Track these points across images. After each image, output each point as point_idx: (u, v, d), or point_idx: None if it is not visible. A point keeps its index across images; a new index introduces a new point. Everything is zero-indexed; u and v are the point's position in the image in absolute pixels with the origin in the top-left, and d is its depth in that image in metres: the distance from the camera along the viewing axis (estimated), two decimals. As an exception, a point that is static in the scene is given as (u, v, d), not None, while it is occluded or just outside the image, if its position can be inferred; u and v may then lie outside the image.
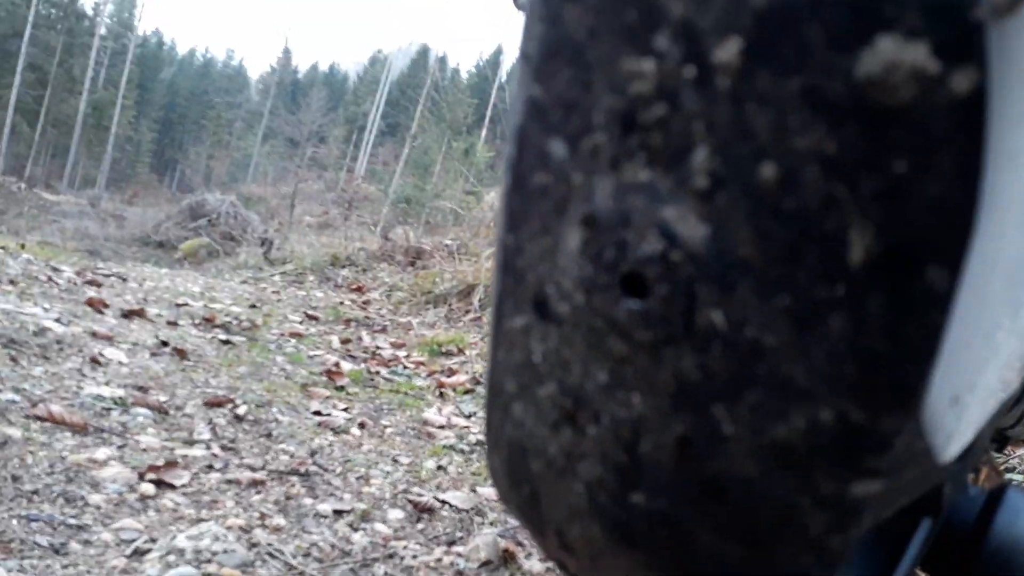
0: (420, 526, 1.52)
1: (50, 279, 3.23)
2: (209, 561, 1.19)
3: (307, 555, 1.31)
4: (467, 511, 1.60)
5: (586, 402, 0.25)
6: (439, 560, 1.38)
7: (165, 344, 2.53)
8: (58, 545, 1.16)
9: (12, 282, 2.96)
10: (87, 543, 1.19)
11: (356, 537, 1.41)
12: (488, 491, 1.71)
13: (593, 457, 0.26)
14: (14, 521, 1.19)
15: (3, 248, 3.90)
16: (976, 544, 0.36)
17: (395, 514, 1.55)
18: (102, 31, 35.80)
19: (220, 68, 52.68)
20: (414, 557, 1.37)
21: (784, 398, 0.21)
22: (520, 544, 1.45)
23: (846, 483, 0.22)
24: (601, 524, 0.27)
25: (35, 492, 1.30)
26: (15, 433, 1.50)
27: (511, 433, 0.28)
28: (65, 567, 1.10)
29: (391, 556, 1.36)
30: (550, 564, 1.39)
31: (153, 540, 1.23)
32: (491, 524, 1.55)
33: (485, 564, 1.40)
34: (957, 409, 0.22)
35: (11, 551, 1.11)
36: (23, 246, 4.26)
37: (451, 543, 1.46)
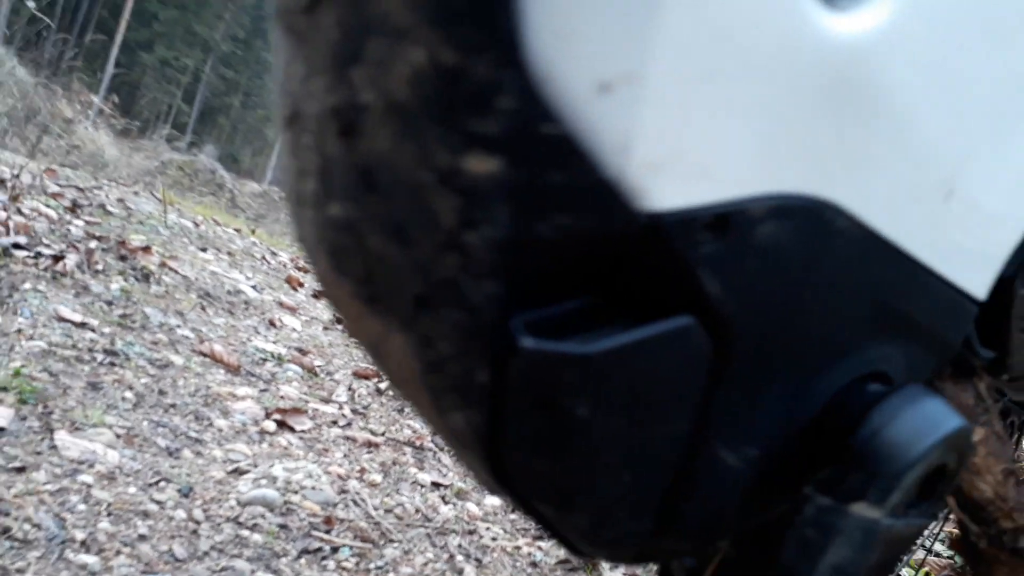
0: (512, 516, 1.50)
1: (264, 258, 3.59)
2: (296, 492, 1.25)
3: (389, 511, 1.34)
4: (566, 514, 1.56)
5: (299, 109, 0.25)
6: (518, 548, 1.35)
7: (340, 322, 2.72)
8: (173, 449, 1.28)
9: (230, 254, 3.33)
10: (198, 454, 1.30)
11: (444, 509, 1.42)
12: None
13: (309, 174, 0.25)
14: (146, 423, 1.32)
15: (238, 230, 4.40)
16: (844, 438, 0.30)
17: (492, 501, 1.54)
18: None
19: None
20: (493, 539, 1.36)
21: (389, 44, 0.19)
22: (606, 552, 1.39)
23: (458, 153, 0.19)
24: (325, 252, 0.25)
25: (173, 406, 1.44)
26: (178, 360, 1.68)
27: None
28: (172, 467, 1.21)
29: (471, 532, 1.36)
30: (630, 570, 1.31)
31: (255, 466, 1.32)
32: (585, 530, 1.50)
33: (563, 562, 1.35)
34: (613, 103, 0.19)
35: (133, 444, 1.23)
36: (254, 231, 4.77)
37: (537, 537, 1.43)
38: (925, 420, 0.30)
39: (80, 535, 0.95)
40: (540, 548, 1.37)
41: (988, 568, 0.43)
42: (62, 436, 1.14)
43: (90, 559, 0.92)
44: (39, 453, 1.09)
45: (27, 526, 0.93)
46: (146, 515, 1.05)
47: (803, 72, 0.21)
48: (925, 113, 0.25)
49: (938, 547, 1.94)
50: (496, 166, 0.19)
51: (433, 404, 0.25)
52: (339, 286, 0.26)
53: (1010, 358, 0.40)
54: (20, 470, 1.03)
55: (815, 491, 0.30)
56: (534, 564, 1.32)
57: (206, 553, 1.01)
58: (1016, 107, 0.28)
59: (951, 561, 1.93)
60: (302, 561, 1.08)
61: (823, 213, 0.25)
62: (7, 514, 0.93)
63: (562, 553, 1.36)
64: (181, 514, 1.08)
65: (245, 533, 1.09)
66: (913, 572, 1.73)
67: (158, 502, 1.09)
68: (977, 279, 0.33)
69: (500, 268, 0.21)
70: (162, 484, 1.15)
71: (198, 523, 1.08)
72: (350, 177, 0.23)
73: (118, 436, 1.23)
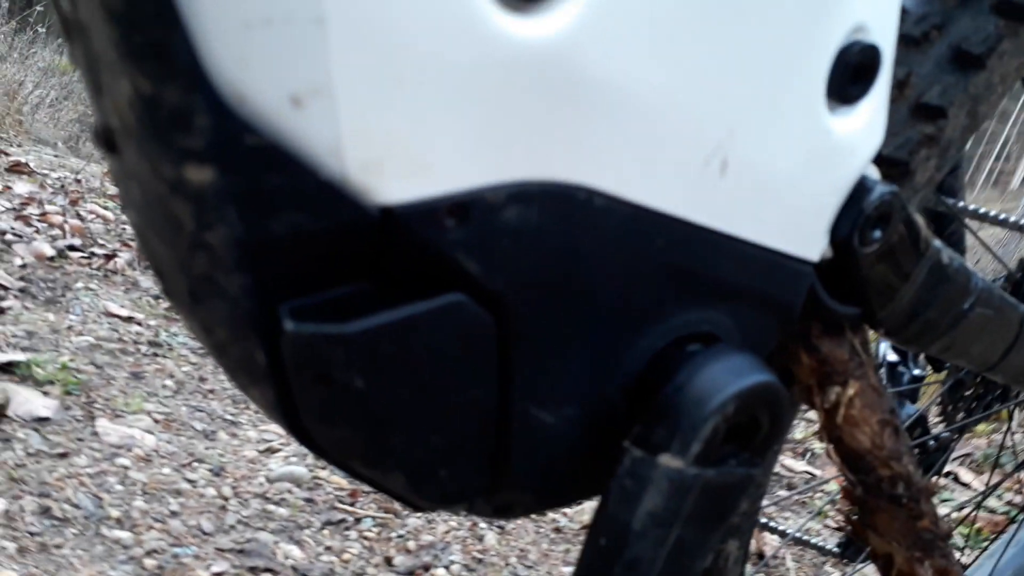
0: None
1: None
2: (324, 468, 1.32)
3: (415, 483, 1.39)
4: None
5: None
6: (541, 514, 1.40)
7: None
8: (209, 432, 1.36)
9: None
10: (234, 435, 1.38)
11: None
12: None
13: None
14: (184, 408, 1.41)
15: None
16: (656, 393, 0.32)
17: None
18: None
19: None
20: (517, 507, 1.40)
21: (110, 76, 0.23)
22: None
23: (177, 165, 0.22)
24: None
25: (212, 391, 1.53)
26: (220, 347, 1.77)
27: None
28: (206, 448, 1.29)
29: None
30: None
31: (288, 444, 1.39)
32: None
33: (586, 527, 1.38)
34: (310, 114, 0.22)
35: (171, 428, 1.32)
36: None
37: (562, 504, 1.47)
38: (724, 375, 0.32)
39: (115, 513, 1.03)
40: (564, 514, 1.41)
41: (871, 516, 0.44)
42: (103, 423, 1.23)
43: (123, 534, 1.00)
44: (81, 439, 1.18)
45: (66, 506, 1.01)
46: (178, 493, 1.13)
47: (499, 72, 0.23)
48: (657, 96, 0.27)
49: (993, 503, 1.91)
50: (211, 175, 0.22)
51: (234, 381, 0.29)
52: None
53: (877, 314, 0.41)
54: (62, 455, 1.12)
55: (631, 444, 0.32)
56: (558, 530, 1.36)
57: (232, 527, 1.08)
58: (774, 76, 0.29)
59: (1005, 516, 1.89)
60: (325, 532, 1.14)
61: (573, 195, 0.27)
62: (48, 496, 1.02)
63: (586, 519, 1.39)
64: (211, 491, 1.16)
65: (271, 507, 1.16)
66: (966, 531, 1.71)
67: (190, 481, 1.17)
68: (796, 241, 0.34)
69: (246, 262, 0.24)
70: (195, 464, 1.22)
71: (227, 499, 1.15)
72: (122, 188, 0.27)
73: (156, 421, 1.31)
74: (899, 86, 0.44)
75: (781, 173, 0.31)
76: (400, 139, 0.23)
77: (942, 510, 1.75)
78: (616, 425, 0.33)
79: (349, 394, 0.27)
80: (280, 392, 0.27)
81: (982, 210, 0.78)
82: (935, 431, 1.00)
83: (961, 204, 0.79)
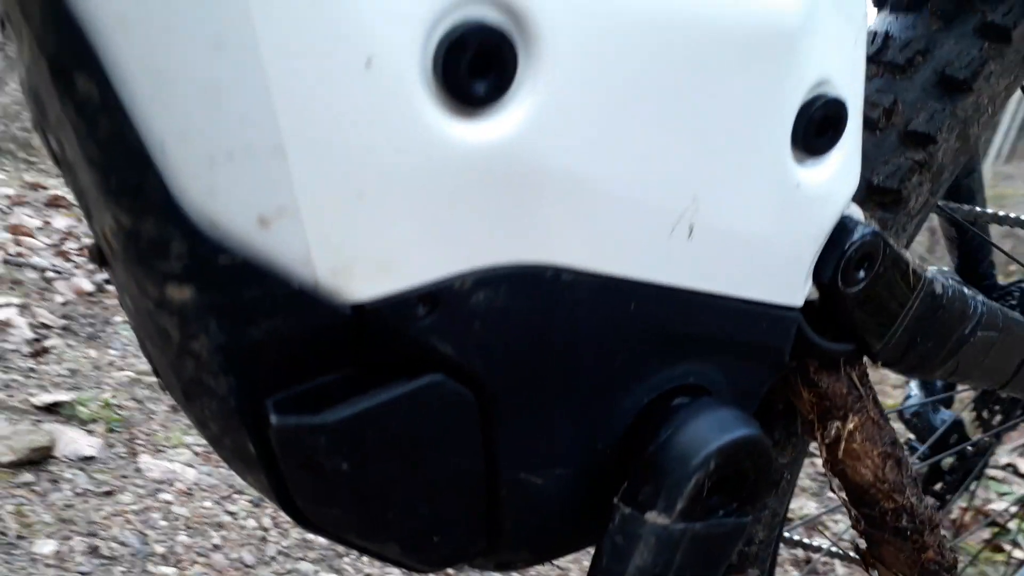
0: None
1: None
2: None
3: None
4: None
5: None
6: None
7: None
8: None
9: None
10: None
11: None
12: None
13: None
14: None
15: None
16: (643, 450, 0.33)
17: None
18: None
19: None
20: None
21: (97, 207, 0.24)
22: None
23: (159, 286, 0.24)
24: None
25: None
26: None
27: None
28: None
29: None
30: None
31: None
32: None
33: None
34: (279, 232, 0.23)
35: (210, 460, 1.35)
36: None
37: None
38: (705, 432, 0.32)
39: (161, 549, 1.06)
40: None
41: (878, 548, 0.44)
42: (145, 459, 1.27)
43: (169, 570, 1.03)
44: (125, 476, 1.21)
45: (114, 544, 1.04)
46: (220, 526, 1.15)
47: (454, 174, 0.24)
48: (614, 177, 0.27)
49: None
50: (190, 293, 0.24)
51: (231, 467, 0.30)
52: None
53: (872, 348, 0.41)
54: (108, 493, 1.16)
55: (620, 501, 0.33)
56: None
57: (273, 558, 1.11)
58: (734, 142, 0.29)
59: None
60: (364, 560, 1.16)
61: (539, 274, 0.28)
62: (96, 535, 1.05)
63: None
64: (252, 523, 1.18)
65: (311, 537, 1.18)
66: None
67: (231, 513, 1.20)
68: (775, 290, 0.35)
69: (230, 366, 0.25)
70: (235, 496, 1.25)
71: (267, 530, 1.17)
72: (118, 294, 0.28)
73: (196, 454, 1.34)
74: (887, 114, 0.44)
75: (751, 229, 0.32)
76: (365, 244, 0.24)
77: (999, 505, 1.71)
78: (608, 480, 0.34)
79: (337, 477, 0.28)
80: (272, 478, 0.28)
81: (1001, 213, 0.77)
82: (972, 437, 0.98)
83: (979, 209, 0.78)
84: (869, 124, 0.45)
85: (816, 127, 0.32)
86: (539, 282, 0.28)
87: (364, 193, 0.24)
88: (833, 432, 0.43)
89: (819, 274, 0.36)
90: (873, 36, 0.46)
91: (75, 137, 0.22)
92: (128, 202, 0.23)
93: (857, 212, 0.38)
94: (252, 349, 0.25)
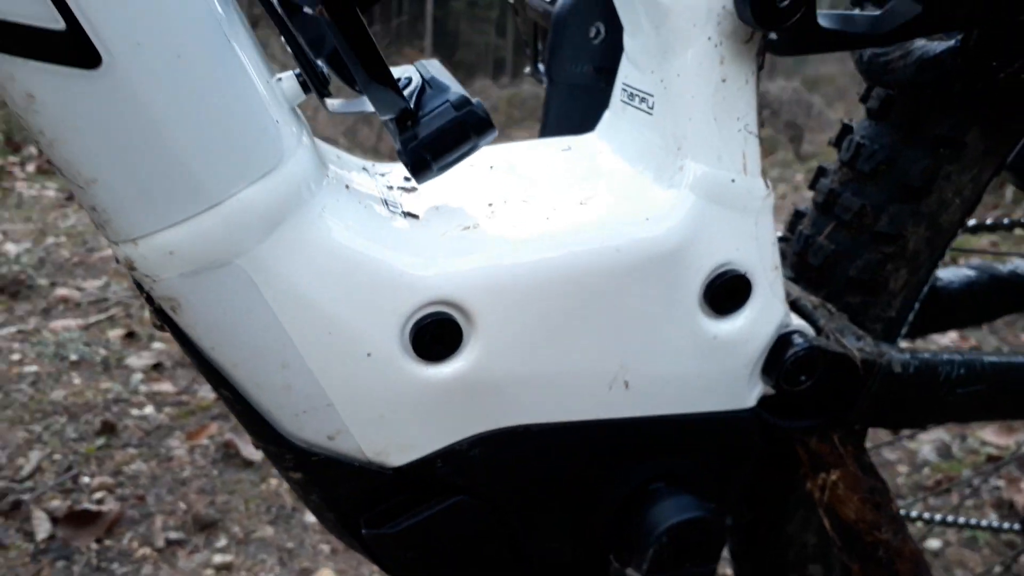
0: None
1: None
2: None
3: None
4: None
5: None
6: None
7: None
8: None
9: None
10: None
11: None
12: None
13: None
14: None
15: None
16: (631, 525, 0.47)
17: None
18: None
19: None
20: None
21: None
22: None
23: (286, 472, 0.42)
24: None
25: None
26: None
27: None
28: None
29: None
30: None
31: None
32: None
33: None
34: (344, 441, 0.40)
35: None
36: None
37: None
38: (663, 514, 0.45)
39: None
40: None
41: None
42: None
43: None
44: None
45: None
46: None
47: (433, 395, 0.39)
48: (553, 366, 0.40)
49: None
50: (301, 475, 0.42)
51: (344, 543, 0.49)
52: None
53: (841, 421, 0.51)
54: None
55: (613, 558, 0.48)
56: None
57: None
58: (647, 321, 0.41)
59: None
60: None
61: (514, 431, 0.42)
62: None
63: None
64: None
65: None
66: None
67: None
68: (721, 402, 0.46)
69: (332, 508, 0.43)
70: None
71: None
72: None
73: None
74: (858, 216, 0.52)
75: (680, 371, 0.44)
76: (391, 438, 0.41)
77: None
78: (608, 542, 0.49)
79: (407, 561, 0.45)
80: (370, 555, 0.47)
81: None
82: None
83: None
84: (846, 224, 0.53)
85: (721, 297, 0.43)
86: (515, 435, 0.43)
87: (383, 415, 0.40)
88: (820, 482, 0.53)
89: (766, 377, 0.47)
90: (850, 143, 0.54)
91: (229, 407, 0.41)
92: (258, 439, 0.41)
93: (804, 327, 0.48)
94: (341, 498, 0.43)
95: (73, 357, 1.63)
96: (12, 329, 1.73)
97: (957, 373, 0.52)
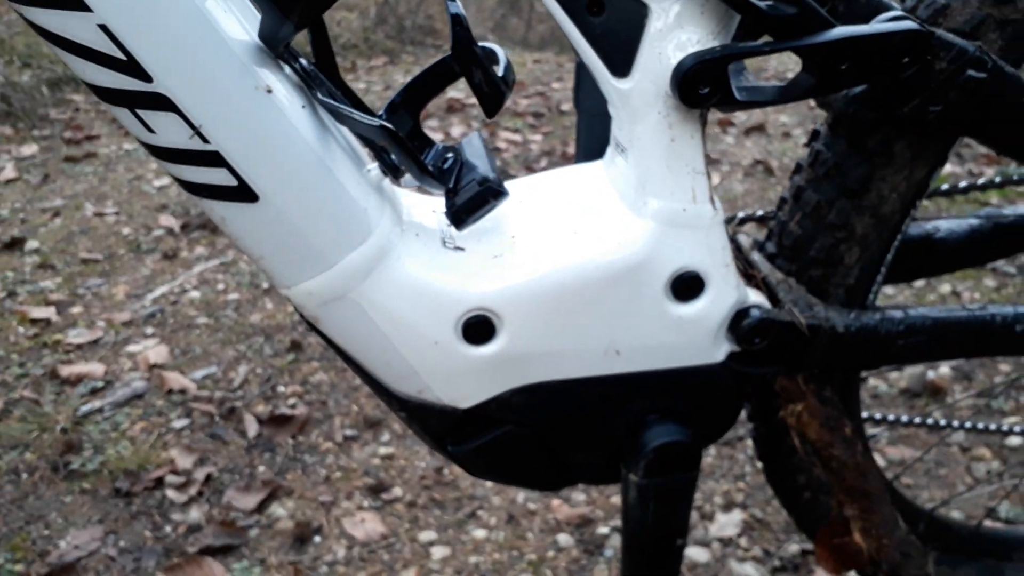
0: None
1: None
2: None
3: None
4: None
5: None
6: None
7: (760, 163, 2.97)
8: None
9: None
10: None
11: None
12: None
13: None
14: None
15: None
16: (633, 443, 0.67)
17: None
18: None
19: None
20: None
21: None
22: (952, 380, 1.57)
23: (396, 412, 0.65)
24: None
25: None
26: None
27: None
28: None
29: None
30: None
31: None
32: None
33: (904, 391, 1.58)
34: (426, 393, 0.63)
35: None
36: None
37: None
38: (652, 437, 0.65)
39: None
40: (885, 380, 1.62)
41: (827, 477, 0.71)
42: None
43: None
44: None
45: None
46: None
47: (479, 365, 0.61)
48: (561, 340, 0.60)
49: None
50: (405, 415, 0.64)
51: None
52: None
53: (799, 366, 0.68)
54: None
55: (623, 465, 0.68)
56: (875, 396, 1.58)
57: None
58: (622, 312, 0.59)
59: None
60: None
61: (540, 384, 0.62)
62: None
63: (903, 383, 1.59)
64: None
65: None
66: None
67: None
68: (694, 359, 0.64)
69: (426, 433, 0.66)
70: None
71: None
72: None
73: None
74: (815, 209, 0.67)
75: (656, 341, 0.63)
76: (458, 390, 0.63)
77: None
78: (618, 455, 0.69)
79: (481, 467, 0.68)
80: (450, 459, 0.70)
81: None
82: None
83: None
84: (807, 215, 0.68)
85: (682, 290, 0.61)
86: (540, 387, 0.63)
87: (450, 377, 0.62)
88: (789, 410, 0.71)
89: (730, 339, 0.65)
90: (812, 148, 0.68)
91: (358, 375, 0.64)
92: (376, 393, 0.64)
93: (760, 302, 0.65)
94: (432, 428, 0.66)
95: (264, 285, 1.99)
96: (215, 262, 2.11)
97: (897, 329, 0.66)
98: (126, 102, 0.49)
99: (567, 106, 3.33)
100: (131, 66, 0.47)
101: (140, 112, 0.49)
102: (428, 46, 4.60)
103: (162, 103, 0.48)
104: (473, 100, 3.38)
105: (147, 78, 0.47)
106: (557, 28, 0.59)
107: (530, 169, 2.71)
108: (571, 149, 2.87)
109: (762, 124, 3.04)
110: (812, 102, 0.65)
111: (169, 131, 0.49)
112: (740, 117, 3.11)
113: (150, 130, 0.49)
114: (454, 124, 3.08)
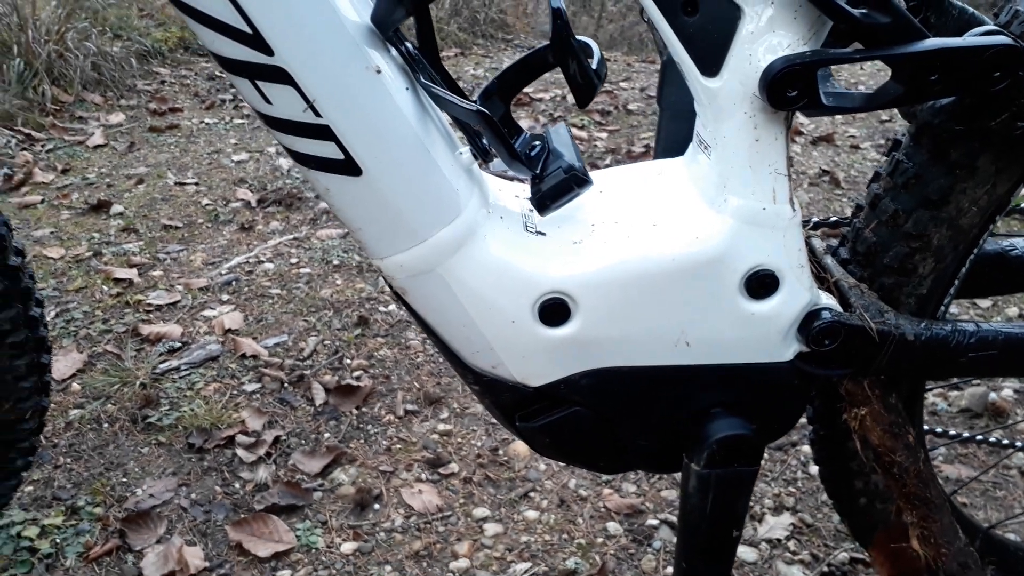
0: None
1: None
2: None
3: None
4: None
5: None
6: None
7: (826, 174, 2.93)
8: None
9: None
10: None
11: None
12: None
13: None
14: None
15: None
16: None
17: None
18: None
19: None
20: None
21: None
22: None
23: (471, 386, 0.68)
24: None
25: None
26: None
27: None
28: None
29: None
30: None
31: None
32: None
33: (964, 411, 1.55)
34: (499, 369, 0.65)
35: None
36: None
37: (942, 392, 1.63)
38: (714, 430, 0.66)
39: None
40: (945, 398, 1.59)
41: (886, 483, 0.72)
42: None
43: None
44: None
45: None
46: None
47: (552, 345, 0.63)
48: (631, 328, 0.62)
49: None
50: (478, 388, 0.67)
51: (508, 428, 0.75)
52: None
53: (869, 370, 0.68)
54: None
55: (685, 455, 0.70)
56: (934, 414, 1.56)
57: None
58: (698, 304, 0.61)
59: None
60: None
61: (607, 369, 0.65)
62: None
63: (964, 402, 1.56)
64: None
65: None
66: None
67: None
68: (763, 356, 0.65)
69: (496, 408, 0.69)
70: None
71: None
72: None
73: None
74: (892, 217, 0.68)
75: (726, 336, 0.65)
76: (530, 369, 0.66)
77: None
78: (681, 444, 0.71)
79: (545, 444, 0.71)
80: (518, 434, 0.73)
81: None
82: None
83: None
84: (884, 223, 0.69)
85: (755, 288, 0.63)
86: (609, 372, 0.66)
87: (524, 356, 0.65)
88: (854, 415, 0.72)
89: (800, 339, 0.66)
90: (893, 157, 0.69)
91: (437, 347, 0.68)
92: (453, 366, 0.68)
93: (832, 305, 0.66)
94: (502, 403, 0.69)
95: (335, 261, 2.05)
96: (289, 237, 2.18)
97: (967, 342, 0.67)
98: (248, 73, 0.52)
99: (634, 105, 3.33)
100: (255, 39, 0.51)
101: (260, 83, 0.53)
102: (499, 40, 4.63)
103: (281, 76, 0.52)
104: (541, 95, 3.41)
105: (269, 51, 0.51)
106: (627, 28, 0.62)
107: (594, 166, 2.72)
108: (636, 147, 2.87)
109: (831, 135, 2.99)
110: (882, 115, 0.65)
111: (285, 103, 0.53)
112: (809, 127, 3.07)
113: (268, 101, 0.53)
114: (521, 118, 3.10)
